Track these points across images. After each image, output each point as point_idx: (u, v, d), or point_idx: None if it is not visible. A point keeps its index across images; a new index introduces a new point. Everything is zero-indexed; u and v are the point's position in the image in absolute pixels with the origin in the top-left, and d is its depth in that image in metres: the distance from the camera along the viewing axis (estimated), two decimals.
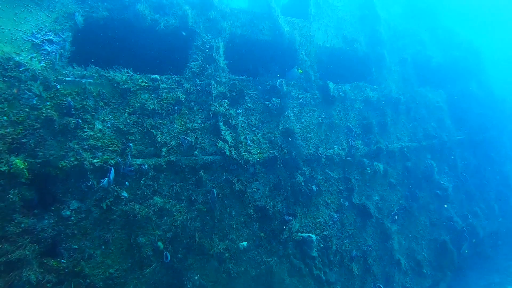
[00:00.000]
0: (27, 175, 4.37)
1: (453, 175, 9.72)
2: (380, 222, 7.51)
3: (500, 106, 13.34)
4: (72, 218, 4.62)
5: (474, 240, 9.25)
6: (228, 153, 5.69)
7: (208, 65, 6.27)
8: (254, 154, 6.11)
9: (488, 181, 10.83)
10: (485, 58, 14.19)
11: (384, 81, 9.04)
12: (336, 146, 7.30)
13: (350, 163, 7.37)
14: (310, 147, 6.86)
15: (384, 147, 7.95)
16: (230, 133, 5.95)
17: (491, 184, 11.02)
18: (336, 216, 6.88)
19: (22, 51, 4.94)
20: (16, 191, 4.32)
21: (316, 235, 6.43)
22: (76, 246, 4.67)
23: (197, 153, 5.58)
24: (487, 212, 10.32)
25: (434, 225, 8.68)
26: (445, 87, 11.87)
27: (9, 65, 4.74)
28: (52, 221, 4.56)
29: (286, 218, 6.14)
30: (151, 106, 5.46)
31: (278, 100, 6.68)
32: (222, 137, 5.79)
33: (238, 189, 5.73)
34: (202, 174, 5.51)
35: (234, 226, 5.74)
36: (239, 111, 6.32)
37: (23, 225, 4.36)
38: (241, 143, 6.05)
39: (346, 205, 7.14)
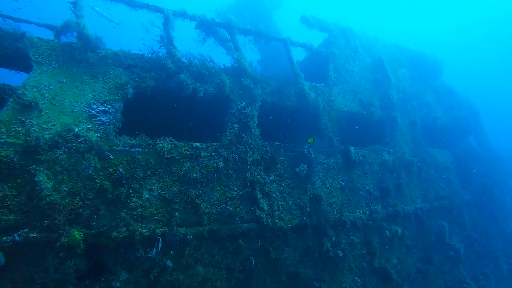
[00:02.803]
0: (82, 246, 4.54)
1: (463, 235, 10.02)
2: (400, 285, 7.67)
3: (499, 164, 13.96)
4: None
5: None
6: (266, 222, 5.93)
7: (244, 134, 6.65)
8: (286, 221, 6.35)
9: (495, 241, 11.13)
10: (483, 116, 15.03)
11: (398, 144, 9.53)
12: (358, 210, 7.60)
13: (370, 226, 7.65)
14: (335, 212, 7.15)
15: (401, 210, 8.28)
16: (266, 201, 6.22)
17: (498, 243, 11.32)
18: (359, 280, 7.04)
19: (80, 122, 5.27)
20: (71, 262, 4.47)
21: None
22: None
23: (238, 220, 5.81)
24: (496, 273, 10.54)
25: None
26: (450, 147, 12.49)
27: (69, 136, 5.05)
28: None
29: (316, 284, 6.30)
30: (194, 175, 5.74)
31: (307, 167, 7.04)
32: (260, 205, 6.06)
33: (274, 257, 5.93)
34: (241, 242, 5.71)
35: None
36: (271, 177, 6.64)
37: None
38: (274, 211, 6.31)
39: (367, 268, 7.33)
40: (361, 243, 7.45)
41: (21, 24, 6.59)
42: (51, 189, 4.58)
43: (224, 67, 7.28)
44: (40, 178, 4.51)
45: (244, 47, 8.04)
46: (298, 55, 10.69)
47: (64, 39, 7.07)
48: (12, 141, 4.67)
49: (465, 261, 9.68)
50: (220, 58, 8.22)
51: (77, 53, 5.68)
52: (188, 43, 9.06)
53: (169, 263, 5.12)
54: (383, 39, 12.30)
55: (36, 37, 5.52)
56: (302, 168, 7.00)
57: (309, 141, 7.30)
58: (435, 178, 10.15)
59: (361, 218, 7.45)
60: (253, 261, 5.66)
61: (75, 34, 5.96)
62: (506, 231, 11.83)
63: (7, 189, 4.42)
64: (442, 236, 9.10)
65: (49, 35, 7.04)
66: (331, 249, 6.64)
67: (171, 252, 5.22)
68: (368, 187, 8.09)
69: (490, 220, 11.40)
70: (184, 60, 6.75)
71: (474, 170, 11.80)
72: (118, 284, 4.72)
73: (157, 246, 4.96)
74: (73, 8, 5.99)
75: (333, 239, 6.84)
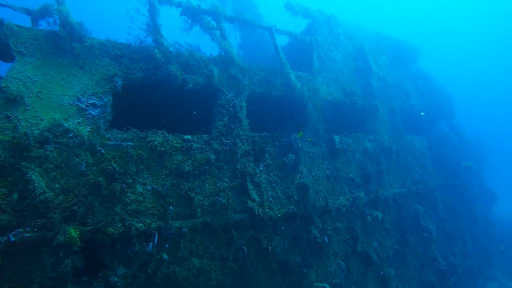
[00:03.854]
0: (79, 243, 4.53)
1: (435, 217, 10.68)
2: (379, 266, 8.15)
3: (469, 149, 14.80)
4: (119, 284, 4.79)
5: (453, 279, 10.16)
6: (257, 212, 6.09)
7: (233, 125, 6.69)
8: (275, 210, 6.54)
9: (463, 220, 11.94)
10: (456, 103, 15.74)
11: (378, 131, 9.87)
12: (342, 197, 7.90)
13: (353, 212, 8.01)
14: (321, 199, 7.41)
15: (381, 196, 8.70)
16: (256, 192, 6.37)
17: (465, 222, 12.16)
18: (343, 264, 7.43)
19: (70, 117, 5.13)
20: (69, 260, 4.47)
21: (328, 283, 6.93)
22: None
23: (230, 212, 5.94)
24: (463, 249, 11.37)
25: (422, 266, 9.49)
26: (425, 132, 13.06)
27: (59, 131, 4.92)
28: None
29: (304, 270, 6.60)
30: (186, 168, 5.76)
31: (294, 156, 7.21)
32: (251, 196, 6.20)
33: (265, 246, 6.13)
34: (234, 233, 5.86)
35: (260, 281, 6.11)
36: (260, 168, 6.77)
37: None
38: (264, 201, 6.48)
39: (351, 252, 7.73)
40: (345, 228, 7.80)
41: None
42: (44, 187, 4.49)
43: (212, 56, 7.19)
44: (33, 176, 4.41)
45: (229, 32, 7.95)
46: (281, 40, 10.69)
47: (43, 24, 6.70)
48: None
49: (437, 241, 10.37)
50: (206, 44, 8.13)
51: (61, 43, 5.44)
52: (174, 31, 8.84)
53: (165, 256, 5.20)
54: (365, 27, 12.46)
55: (16, 25, 5.23)
56: (289, 158, 7.16)
57: (298, 135, 7.45)
58: (412, 163, 10.65)
59: (344, 205, 7.76)
60: (245, 251, 5.84)
61: (57, 21, 5.69)
62: (472, 211, 12.70)
63: None
64: (417, 219, 9.67)
65: (25, 20, 6.65)
66: (318, 236, 6.93)
67: (167, 245, 5.30)
68: (351, 175, 8.40)
69: (459, 202, 12.17)
70: (171, 49, 6.62)
71: (447, 155, 12.47)
72: (116, 279, 4.77)
73: (153, 240, 5.02)
74: None
75: (320, 226, 7.13)
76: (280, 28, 8.86)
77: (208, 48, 8.47)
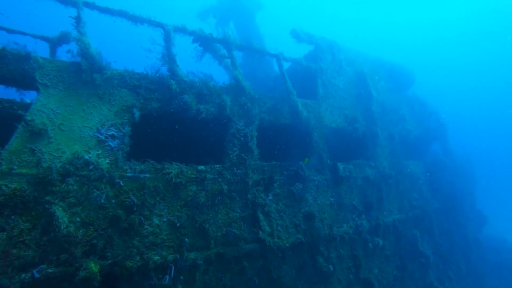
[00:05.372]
0: (99, 278, 4.60)
1: (432, 242, 10.96)
2: None
3: (461, 172, 15.23)
4: None
5: None
6: (268, 243, 6.23)
7: (244, 155, 6.86)
8: (283, 240, 6.69)
9: (457, 245, 12.26)
10: (449, 128, 16.23)
11: (378, 158, 10.15)
12: (345, 225, 8.11)
13: (356, 240, 8.21)
14: (325, 227, 7.59)
15: (382, 222, 8.93)
16: (267, 222, 6.52)
17: (459, 246, 12.48)
18: None
19: (90, 149, 5.22)
20: None
21: None
22: None
23: (242, 242, 6.07)
24: (457, 274, 11.66)
25: None
26: (421, 155, 13.44)
27: (80, 164, 5.01)
28: None
29: None
30: (201, 200, 5.89)
31: (301, 185, 7.40)
32: (262, 227, 6.34)
33: (275, 276, 6.26)
34: (245, 263, 5.98)
35: None
36: (270, 197, 6.93)
37: None
38: (274, 230, 6.63)
39: (353, 279, 7.90)
40: (348, 256, 7.99)
41: (16, 35, 6.29)
42: (67, 222, 4.57)
43: (223, 85, 7.37)
44: (57, 212, 4.48)
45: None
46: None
47: (60, 51, 6.83)
48: (24, 171, 4.58)
49: (433, 265, 10.63)
50: (215, 68, 8.35)
51: (83, 75, 5.56)
52: (184, 54, 9.03)
53: None
54: (364, 52, 12.84)
55: (41, 57, 5.34)
56: (297, 187, 7.34)
57: (305, 161, 7.64)
58: (409, 188, 10.95)
59: (348, 233, 7.96)
60: (256, 282, 5.96)
61: (76, 49, 5.80)
62: (465, 234, 13.04)
63: (22, 224, 4.36)
64: (415, 244, 9.93)
65: (44, 47, 6.76)
66: (324, 265, 7.09)
67: (182, 277, 5.39)
68: (353, 202, 8.62)
69: (453, 226, 12.51)
70: (186, 79, 6.78)
71: (443, 179, 12.84)
72: None
73: (170, 273, 5.11)
74: (75, 24, 5.84)
75: (326, 254, 7.30)
76: (287, 56, 9.13)
77: (215, 69, 8.67)
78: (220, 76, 8.65)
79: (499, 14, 64.67)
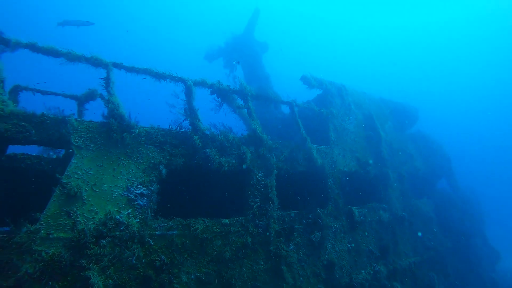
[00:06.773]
0: None
1: (447, 283, 10.87)
2: None
3: (469, 207, 15.29)
4: None
5: None
6: None
7: (265, 205, 6.98)
8: None
9: (470, 284, 12.14)
10: (454, 162, 16.45)
11: (390, 199, 10.28)
12: (363, 271, 8.11)
13: (375, 286, 8.18)
14: (345, 275, 7.60)
15: (399, 267, 8.93)
16: (290, 274, 6.55)
17: (472, 286, 12.35)
18: None
19: (121, 208, 5.36)
20: None
21: None
22: None
23: None
24: None
25: None
26: (430, 195, 13.55)
27: (112, 224, 5.12)
28: None
29: None
30: (227, 255, 5.96)
31: (320, 233, 7.48)
32: (286, 280, 6.38)
33: None
34: None
35: None
36: (291, 247, 7.00)
37: None
38: (296, 281, 6.65)
39: None
40: None
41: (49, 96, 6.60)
42: (102, 286, 4.63)
43: (242, 136, 7.62)
44: (92, 278, 4.55)
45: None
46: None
47: (87, 109, 7.13)
48: (60, 235, 4.69)
49: None
50: (229, 115, 8.66)
51: (114, 135, 5.78)
52: (202, 104, 9.37)
53: None
54: (369, 94, 13.30)
55: (75, 119, 5.59)
56: (316, 236, 7.42)
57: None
58: (422, 229, 10.99)
59: (367, 280, 7.96)
60: None
61: (105, 111, 6.04)
62: (481, 274, 12.93)
63: None
64: (432, 287, 9.85)
65: (73, 105, 7.06)
66: None
67: None
68: (369, 247, 8.66)
69: (468, 266, 12.43)
70: (207, 132, 7.02)
71: (452, 216, 12.89)
72: None
73: None
74: (104, 85, 6.14)
75: None
76: (299, 102, 9.47)
77: (230, 116, 8.95)
78: (232, 121, 8.95)
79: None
